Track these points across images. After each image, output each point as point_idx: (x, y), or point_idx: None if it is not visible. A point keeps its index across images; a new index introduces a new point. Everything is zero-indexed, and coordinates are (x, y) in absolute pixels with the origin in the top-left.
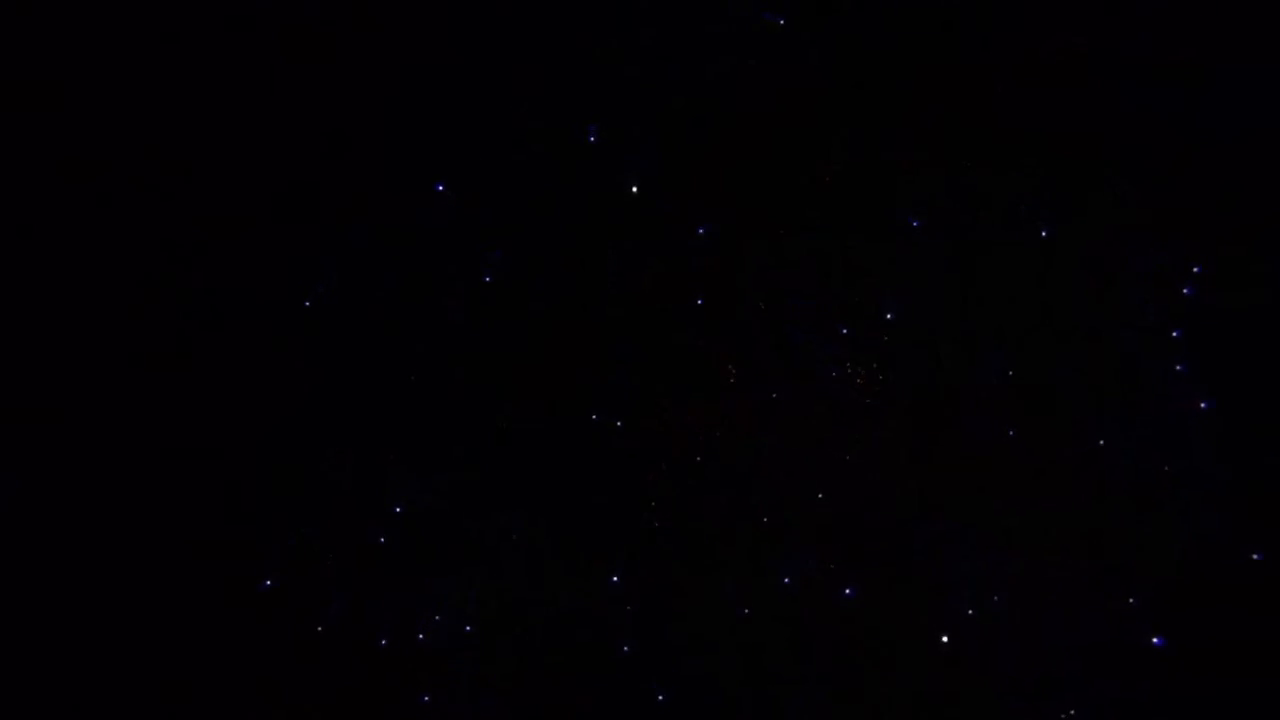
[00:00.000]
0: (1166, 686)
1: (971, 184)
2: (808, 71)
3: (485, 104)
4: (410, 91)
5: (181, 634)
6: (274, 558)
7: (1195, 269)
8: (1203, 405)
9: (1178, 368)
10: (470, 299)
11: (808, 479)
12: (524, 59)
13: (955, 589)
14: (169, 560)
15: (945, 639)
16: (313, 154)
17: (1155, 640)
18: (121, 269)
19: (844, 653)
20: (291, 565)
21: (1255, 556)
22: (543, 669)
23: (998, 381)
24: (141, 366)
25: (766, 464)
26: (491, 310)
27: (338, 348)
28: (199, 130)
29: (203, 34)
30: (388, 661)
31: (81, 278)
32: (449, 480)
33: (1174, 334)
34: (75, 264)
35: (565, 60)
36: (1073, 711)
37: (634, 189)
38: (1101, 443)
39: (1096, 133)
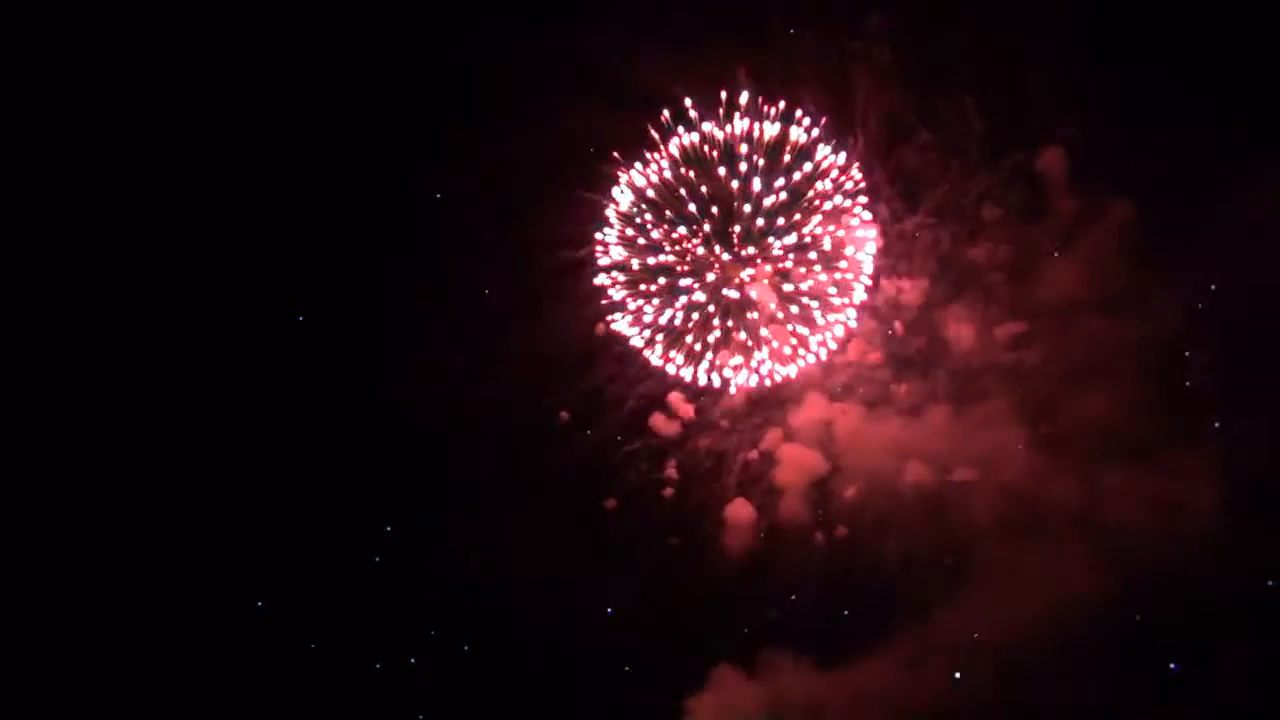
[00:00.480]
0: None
1: (985, 197)
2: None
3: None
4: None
5: (175, 652)
6: (267, 577)
7: (1212, 286)
8: (1216, 425)
9: (1186, 384)
10: (455, 309)
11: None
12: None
13: (968, 619)
14: (162, 579)
15: (958, 675)
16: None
17: (1172, 666)
18: (118, 273)
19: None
20: (285, 585)
21: (1269, 583)
22: (539, 689)
23: (1005, 397)
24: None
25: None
26: (482, 322)
27: (328, 364)
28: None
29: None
30: (381, 683)
31: (80, 279)
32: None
33: (1186, 353)
34: (75, 264)
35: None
36: None
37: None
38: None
39: (1113, 146)
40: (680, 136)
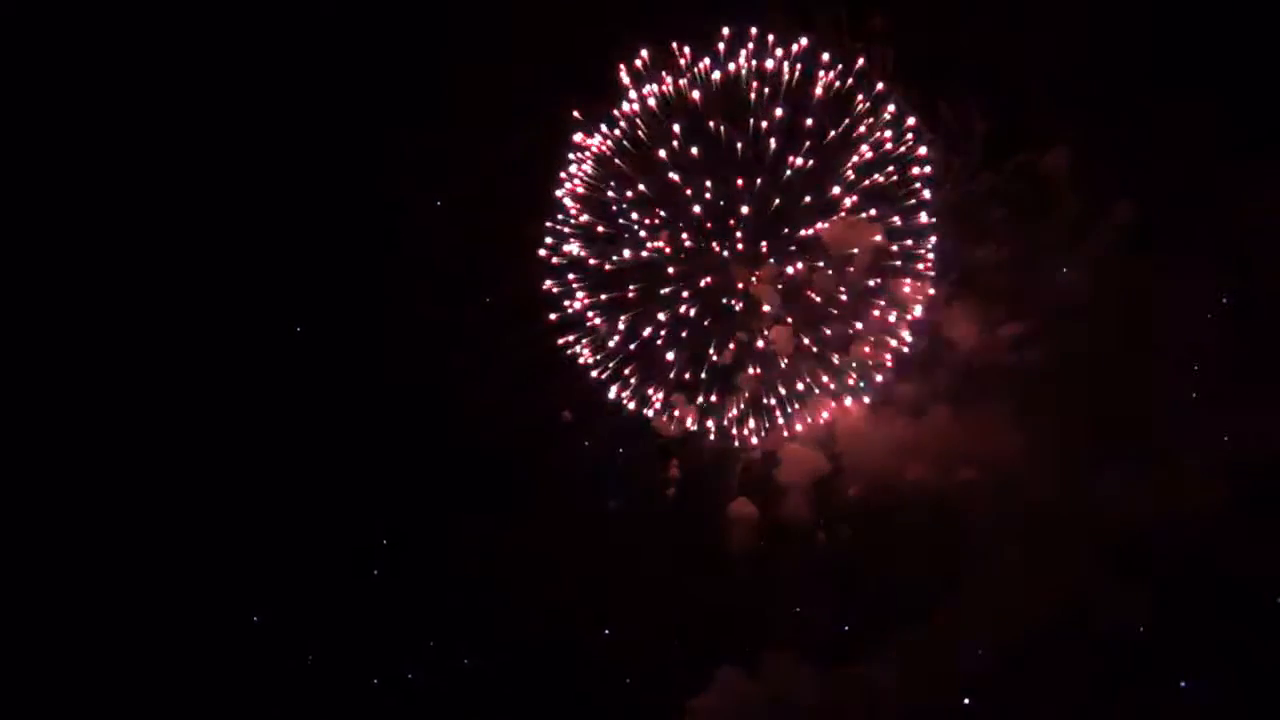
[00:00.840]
0: None
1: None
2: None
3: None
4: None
5: (171, 666)
6: (263, 590)
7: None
8: (1225, 439)
9: (1193, 395)
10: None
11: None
12: None
13: (971, 620)
14: (159, 591)
15: (966, 701)
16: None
17: (1182, 684)
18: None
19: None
20: (282, 599)
21: (1278, 600)
22: (540, 692)
23: (1007, 398)
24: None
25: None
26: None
27: (325, 374)
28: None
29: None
30: (379, 699)
31: (77, 282)
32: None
33: (1194, 367)
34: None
35: None
36: None
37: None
38: (1116, 477)
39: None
40: (665, 84)
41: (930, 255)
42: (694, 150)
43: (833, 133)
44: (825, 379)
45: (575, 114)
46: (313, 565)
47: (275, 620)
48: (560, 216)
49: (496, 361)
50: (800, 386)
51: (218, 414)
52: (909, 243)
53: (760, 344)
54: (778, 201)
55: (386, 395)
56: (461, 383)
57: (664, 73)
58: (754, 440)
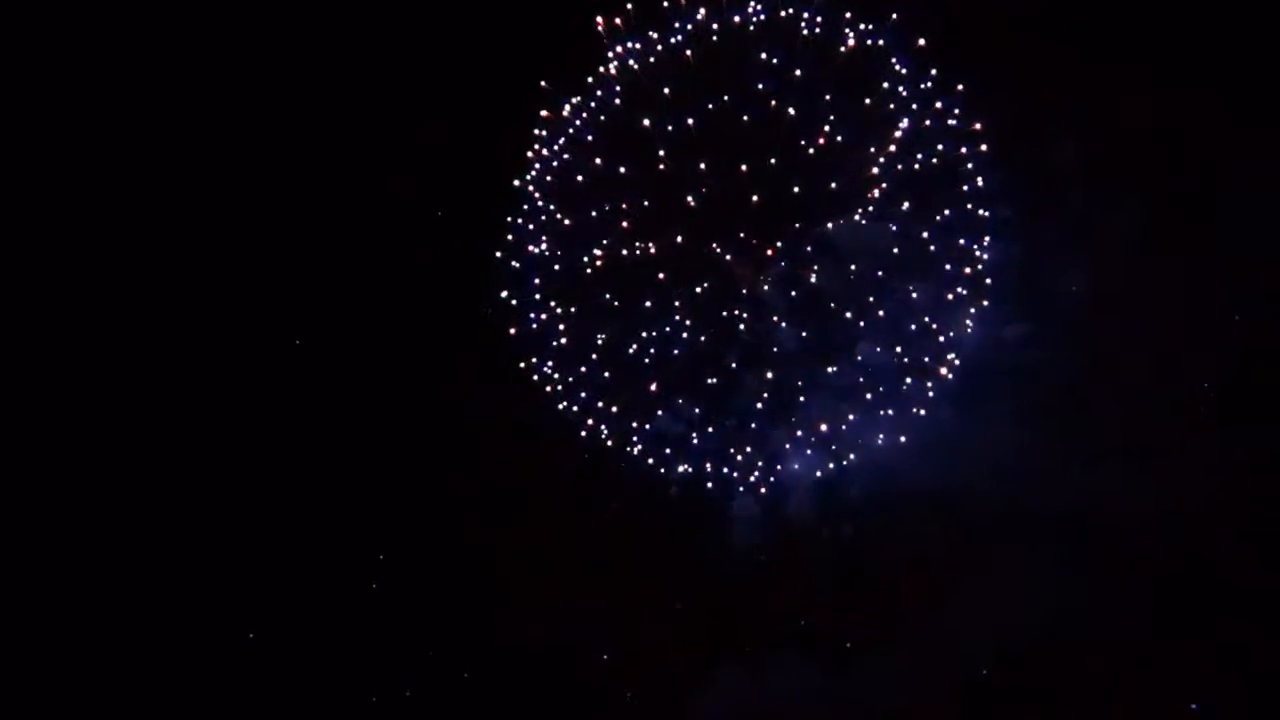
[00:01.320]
0: None
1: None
2: None
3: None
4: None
5: (171, 681)
6: (264, 608)
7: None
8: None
9: (1201, 409)
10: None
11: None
12: None
13: (974, 620)
14: (159, 605)
15: (967, 700)
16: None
17: (1193, 707)
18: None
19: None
20: (281, 615)
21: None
22: (541, 692)
23: (1011, 397)
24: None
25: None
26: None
27: (323, 392)
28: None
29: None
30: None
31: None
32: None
33: (1204, 385)
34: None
35: None
36: None
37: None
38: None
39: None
40: (653, 46)
41: (985, 257)
42: (690, 123)
43: (868, 100)
44: (851, 415)
45: (542, 83)
46: (309, 577)
47: (271, 633)
48: (526, 208)
49: (495, 364)
50: (824, 426)
51: (213, 420)
52: (962, 242)
53: (770, 375)
54: (796, 190)
55: (385, 400)
56: (461, 385)
57: (652, 30)
58: (763, 490)
